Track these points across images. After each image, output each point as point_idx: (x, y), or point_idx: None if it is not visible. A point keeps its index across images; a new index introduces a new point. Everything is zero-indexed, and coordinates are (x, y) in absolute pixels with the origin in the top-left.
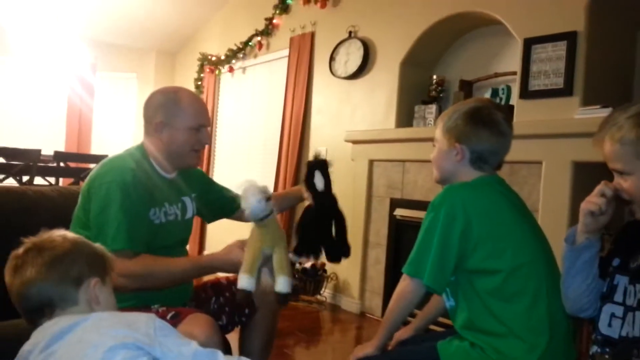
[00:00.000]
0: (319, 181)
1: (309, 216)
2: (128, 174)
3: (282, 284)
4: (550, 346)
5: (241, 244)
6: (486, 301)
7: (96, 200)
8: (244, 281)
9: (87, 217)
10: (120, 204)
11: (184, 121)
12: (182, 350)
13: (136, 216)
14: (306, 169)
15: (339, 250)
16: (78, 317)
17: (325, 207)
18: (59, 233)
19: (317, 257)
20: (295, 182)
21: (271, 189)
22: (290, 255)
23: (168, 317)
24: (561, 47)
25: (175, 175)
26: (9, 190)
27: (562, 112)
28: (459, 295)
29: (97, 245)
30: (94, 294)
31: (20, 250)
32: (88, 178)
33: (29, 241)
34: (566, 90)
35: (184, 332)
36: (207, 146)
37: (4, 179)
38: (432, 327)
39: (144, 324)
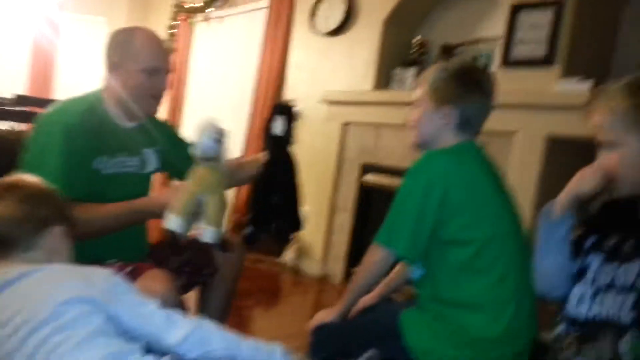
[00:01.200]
0: (278, 125)
1: (259, 176)
2: (75, 117)
3: (206, 235)
4: (514, 321)
5: (177, 186)
6: (456, 273)
7: (36, 140)
8: (171, 221)
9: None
10: (60, 148)
11: (137, 62)
12: (140, 311)
13: (77, 163)
14: (270, 113)
15: (288, 224)
16: (30, 266)
17: (277, 160)
18: (30, 176)
19: (267, 232)
20: (288, 107)
21: (241, 144)
22: (247, 229)
23: (125, 272)
24: (546, 15)
25: (135, 125)
26: None
27: (542, 83)
28: (427, 265)
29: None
30: (57, 242)
31: None
32: (37, 118)
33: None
34: (547, 60)
35: (141, 287)
36: (177, 97)
37: None
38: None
39: (102, 279)
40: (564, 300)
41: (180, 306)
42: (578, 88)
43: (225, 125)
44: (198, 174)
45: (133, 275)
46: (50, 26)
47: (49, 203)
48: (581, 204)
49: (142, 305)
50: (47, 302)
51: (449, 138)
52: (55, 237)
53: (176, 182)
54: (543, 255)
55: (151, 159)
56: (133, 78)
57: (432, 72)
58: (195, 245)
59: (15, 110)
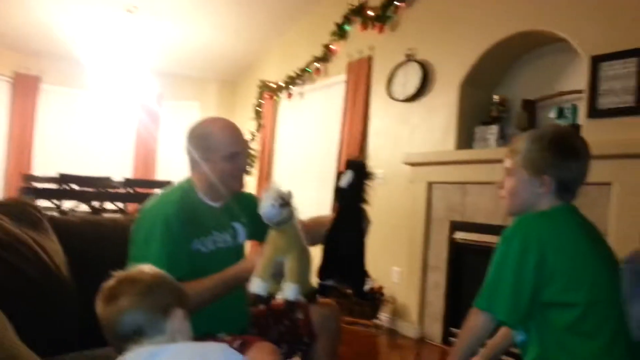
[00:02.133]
0: (345, 178)
1: (328, 230)
2: (171, 207)
3: (286, 291)
4: None
5: (259, 251)
6: (561, 337)
7: (140, 233)
8: (255, 285)
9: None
10: (162, 236)
11: (216, 153)
12: None
13: (178, 247)
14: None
15: (356, 278)
16: (156, 347)
17: (344, 214)
18: (147, 267)
19: (337, 281)
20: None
21: (329, 211)
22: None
23: (235, 345)
24: (631, 64)
25: (223, 203)
26: (86, 220)
27: (632, 131)
28: (531, 329)
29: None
30: (179, 325)
31: (112, 281)
32: (139, 211)
33: (119, 273)
34: (637, 109)
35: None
36: (264, 170)
37: (76, 205)
38: (502, 357)
39: (217, 356)
40: None
41: None
42: None
43: (313, 198)
44: (270, 239)
45: (242, 348)
46: (150, 115)
47: (167, 290)
48: None
49: None
50: None
51: (545, 204)
52: (178, 320)
53: (259, 248)
54: (632, 300)
55: (240, 230)
56: (217, 166)
57: (523, 142)
58: (287, 308)
59: (124, 192)
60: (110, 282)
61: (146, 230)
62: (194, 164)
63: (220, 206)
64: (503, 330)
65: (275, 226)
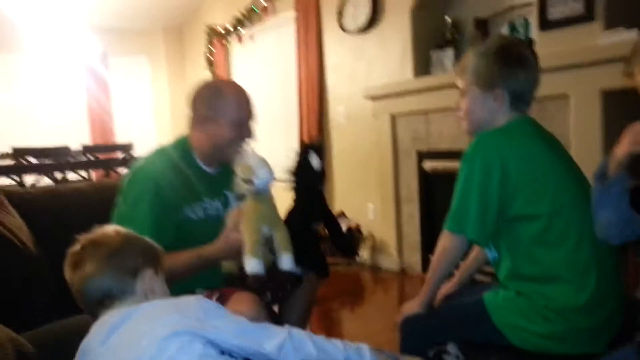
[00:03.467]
0: (315, 161)
1: (296, 217)
2: (165, 170)
3: (287, 262)
4: (599, 285)
5: (234, 227)
6: (529, 248)
7: (129, 194)
8: (253, 265)
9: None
10: (151, 201)
11: (228, 116)
12: (235, 329)
13: (167, 213)
14: (301, 150)
15: (345, 250)
16: (129, 308)
17: (317, 192)
18: (111, 228)
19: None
20: (318, 146)
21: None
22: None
23: (214, 299)
24: None
25: (218, 170)
26: (45, 191)
27: (585, 40)
28: (500, 246)
29: (147, 238)
30: (149, 284)
31: (77, 247)
32: (130, 170)
33: (83, 238)
34: (587, 16)
35: (231, 311)
36: None
37: (38, 179)
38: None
39: (194, 308)
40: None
41: (272, 321)
42: (624, 38)
43: (278, 141)
44: (256, 209)
45: (221, 301)
46: (98, 75)
47: (133, 251)
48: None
49: (236, 323)
50: (150, 340)
51: (502, 117)
52: (147, 280)
53: (230, 225)
54: (599, 210)
55: (232, 200)
56: (224, 130)
57: (470, 58)
58: (288, 278)
59: (85, 160)
60: (74, 248)
61: (136, 192)
62: (196, 123)
63: (214, 172)
64: (474, 253)
65: (259, 196)
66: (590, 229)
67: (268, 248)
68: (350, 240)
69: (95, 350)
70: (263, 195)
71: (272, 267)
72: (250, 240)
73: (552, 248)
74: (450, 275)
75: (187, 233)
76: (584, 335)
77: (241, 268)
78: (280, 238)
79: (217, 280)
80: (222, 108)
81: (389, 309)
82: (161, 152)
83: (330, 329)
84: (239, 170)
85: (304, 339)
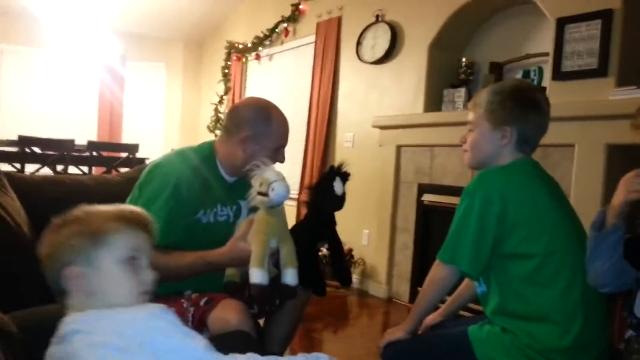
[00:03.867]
0: (338, 186)
1: (304, 236)
2: (187, 171)
3: (290, 277)
4: (584, 330)
5: (242, 236)
6: (519, 286)
7: (147, 188)
8: (258, 275)
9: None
10: (167, 199)
11: (270, 141)
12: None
13: (181, 213)
14: (327, 172)
15: (343, 277)
16: (82, 321)
17: (327, 218)
18: (64, 216)
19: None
20: (322, 168)
21: (299, 176)
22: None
23: (201, 302)
24: (595, 26)
25: (235, 179)
26: (47, 179)
27: (596, 94)
28: (491, 280)
29: (96, 211)
30: (78, 283)
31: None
32: (150, 164)
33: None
34: (601, 71)
35: (217, 317)
36: None
37: (39, 169)
38: (462, 312)
39: (141, 332)
40: (630, 304)
41: (256, 332)
42: (635, 96)
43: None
44: (262, 222)
45: (208, 306)
46: (114, 76)
47: (59, 249)
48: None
49: (189, 352)
50: None
51: (506, 157)
52: (73, 279)
53: (239, 234)
54: (593, 259)
55: (244, 209)
56: (263, 153)
57: (485, 95)
58: (289, 294)
59: (87, 156)
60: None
61: (154, 189)
62: (235, 137)
63: (232, 181)
64: (462, 287)
65: (272, 209)
66: (581, 274)
67: (273, 262)
68: (349, 269)
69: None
70: (276, 209)
71: (273, 280)
72: (257, 251)
73: (542, 288)
74: (436, 308)
75: (194, 235)
76: None
77: (243, 277)
78: (287, 252)
79: (209, 284)
80: (269, 134)
81: (372, 334)
82: (183, 153)
83: (311, 349)
84: (257, 183)
85: None
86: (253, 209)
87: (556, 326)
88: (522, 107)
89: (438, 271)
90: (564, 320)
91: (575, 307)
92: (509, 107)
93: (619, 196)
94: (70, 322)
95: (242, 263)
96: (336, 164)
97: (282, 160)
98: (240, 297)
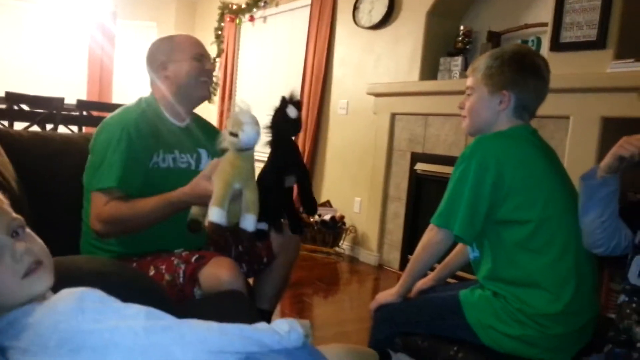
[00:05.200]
0: (292, 111)
1: (269, 169)
2: (132, 118)
3: (248, 222)
4: (575, 298)
5: (207, 175)
6: (512, 252)
7: (99, 142)
8: (216, 214)
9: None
10: (120, 146)
11: (183, 53)
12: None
13: (136, 158)
14: (280, 102)
15: (308, 206)
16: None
17: (290, 143)
18: None
19: (276, 225)
20: (316, 134)
21: None
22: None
23: (192, 259)
24: None
25: (188, 124)
26: (36, 135)
27: (594, 66)
28: (484, 246)
29: None
30: None
31: None
32: (99, 125)
33: None
34: (599, 43)
35: (208, 274)
36: (226, 97)
37: (28, 127)
38: (450, 280)
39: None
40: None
41: (247, 289)
42: (632, 69)
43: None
44: (228, 164)
45: (199, 262)
46: (104, 33)
47: None
48: (621, 169)
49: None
50: None
51: (505, 122)
52: None
53: (205, 173)
54: (584, 213)
55: (204, 157)
56: (184, 65)
57: (484, 59)
58: (247, 239)
59: (77, 115)
60: None
61: (104, 141)
62: (157, 70)
63: (183, 126)
64: (453, 253)
65: (241, 152)
66: (575, 242)
67: (239, 206)
68: (314, 200)
69: None
70: (246, 154)
71: (234, 229)
72: (219, 190)
73: (535, 255)
74: (425, 274)
75: (155, 181)
76: (553, 342)
77: (206, 216)
78: (249, 198)
79: (197, 242)
80: (177, 46)
81: (362, 300)
82: (129, 106)
83: (302, 313)
84: (230, 123)
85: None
86: (224, 152)
87: (547, 292)
88: (522, 72)
89: (432, 235)
90: (555, 287)
91: (567, 275)
92: (508, 72)
93: (612, 150)
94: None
95: (204, 202)
96: (330, 138)
97: (212, 69)
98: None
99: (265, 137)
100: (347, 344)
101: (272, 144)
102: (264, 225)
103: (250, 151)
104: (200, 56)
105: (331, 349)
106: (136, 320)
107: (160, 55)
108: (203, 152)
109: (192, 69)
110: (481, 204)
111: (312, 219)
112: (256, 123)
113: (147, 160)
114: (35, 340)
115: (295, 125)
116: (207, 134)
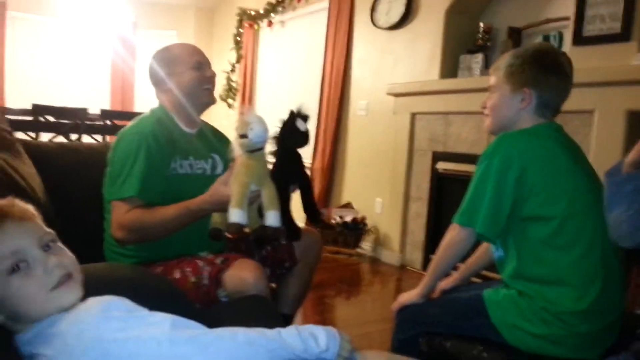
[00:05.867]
0: (301, 124)
1: (274, 176)
2: (149, 127)
3: (273, 218)
4: (601, 295)
5: (225, 181)
6: (538, 249)
7: (117, 153)
8: (236, 215)
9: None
10: (139, 155)
11: (182, 64)
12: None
13: (153, 168)
14: (288, 115)
15: (312, 216)
16: (28, 345)
17: (294, 158)
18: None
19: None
20: (336, 136)
21: (312, 143)
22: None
23: (217, 261)
24: None
25: (199, 131)
26: (63, 146)
27: (618, 59)
28: (508, 244)
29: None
30: None
31: None
32: (117, 135)
33: None
34: (623, 36)
35: (232, 276)
36: (246, 103)
37: (53, 137)
38: (474, 279)
39: (89, 320)
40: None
41: (270, 293)
42: None
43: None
44: (242, 166)
45: (224, 265)
46: (125, 44)
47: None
48: None
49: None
50: None
51: (527, 121)
52: None
53: (222, 179)
54: (610, 208)
55: (219, 162)
56: (185, 76)
57: (506, 58)
58: (272, 235)
59: (100, 124)
60: None
61: (123, 151)
62: (160, 84)
63: (195, 133)
64: (477, 254)
65: (254, 152)
66: (601, 239)
67: (257, 210)
68: (317, 209)
69: None
70: (257, 154)
71: (258, 229)
72: (236, 192)
73: (560, 251)
74: (448, 274)
75: (174, 187)
76: (580, 340)
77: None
78: (268, 195)
79: (217, 246)
80: (175, 58)
81: (385, 301)
82: (142, 117)
83: (324, 314)
84: (236, 125)
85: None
86: (225, 157)
87: (573, 289)
88: (543, 70)
89: (454, 234)
90: (581, 284)
91: (594, 272)
92: (529, 70)
93: (637, 146)
94: (26, 344)
95: (224, 207)
96: (350, 140)
97: (213, 75)
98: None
99: (271, 146)
100: (388, 352)
101: (277, 154)
102: (276, 222)
103: (262, 151)
104: (199, 64)
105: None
106: (161, 329)
107: (160, 70)
108: (217, 157)
109: (193, 79)
110: (504, 201)
111: (333, 221)
112: (263, 122)
113: (166, 168)
114: (62, 349)
115: (305, 137)
116: (217, 139)
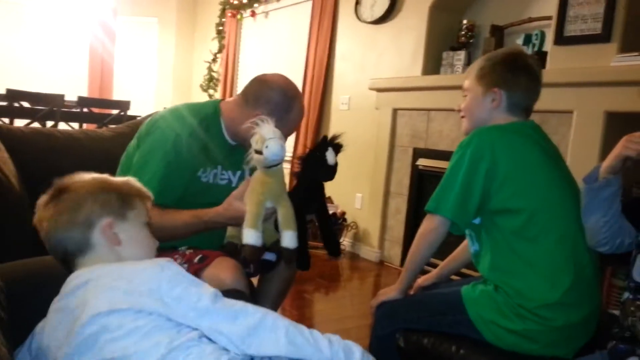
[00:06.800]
0: (331, 156)
1: (292, 202)
2: (187, 128)
3: (289, 239)
4: (573, 287)
5: (239, 195)
6: (510, 241)
7: (148, 141)
8: (251, 236)
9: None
10: (163, 158)
11: (285, 125)
12: (191, 306)
13: (176, 174)
14: (320, 142)
15: (332, 249)
16: (90, 270)
17: (317, 190)
18: (79, 176)
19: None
20: (317, 130)
21: (293, 137)
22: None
23: (195, 260)
24: None
25: (238, 144)
26: (38, 131)
27: (598, 60)
28: (482, 238)
29: (120, 180)
30: (110, 234)
31: (42, 200)
32: (155, 115)
33: (54, 187)
34: (604, 37)
35: (210, 275)
36: (227, 93)
37: (29, 124)
38: (454, 277)
39: (145, 281)
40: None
41: (250, 290)
42: (636, 63)
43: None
44: (263, 181)
45: (202, 263)
46: (105, 30)
47: (87, 202)
48: (624, 169)
49: (195, 299)
50: (84, 314)
51: (499, 120)
52: (105, 230)
53: (236, 194)
54: (588, 214)
55: (247, 175)
56: (269, 132)
57: (478, 62)
58: (289, 257)
59: (77, 112)
60: (41, 200)
61: (155, 143)
62: (250, 107)
63: (234, 144)
64: (456, 252)
65: (270, 168)
66: (573, 232)
67: (274, 225)
68: (338, 241)
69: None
70: (273, 170)
71: (273, 244)
72: (252, 211)
73: (531, 242)
74: (425, 271)
75: (193, 193)
76: (555, 336)
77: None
78: (284, 215)
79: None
80: (284, 121)
81: (363, 296)
82: (188, 109)
83: (303, 310)
84: (253, 141)
85: (279, 331)
86: (253, 170)
87: (545, 280)
88: (512, 70)
89: (426, 224)
90: (551, 274)
91: (564, 262)
92: (499, 70)
93: (615, 150)
94: (78, 277)
95: (237, 223)
96: (330, 133)
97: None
98: (237, 256)
99: (294, 166)
100: None
101: (300, 179)
102: (272, 256)
103: (279, 167)
104: (288, 134)
105: None
106: (206, 290)
107: (267, 109)
108: (247, 171)
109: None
110: (474, 190)
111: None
112: (280, 137)
113: (190, 175)
114: (127, 287)
115: (332, 172)
116: None
